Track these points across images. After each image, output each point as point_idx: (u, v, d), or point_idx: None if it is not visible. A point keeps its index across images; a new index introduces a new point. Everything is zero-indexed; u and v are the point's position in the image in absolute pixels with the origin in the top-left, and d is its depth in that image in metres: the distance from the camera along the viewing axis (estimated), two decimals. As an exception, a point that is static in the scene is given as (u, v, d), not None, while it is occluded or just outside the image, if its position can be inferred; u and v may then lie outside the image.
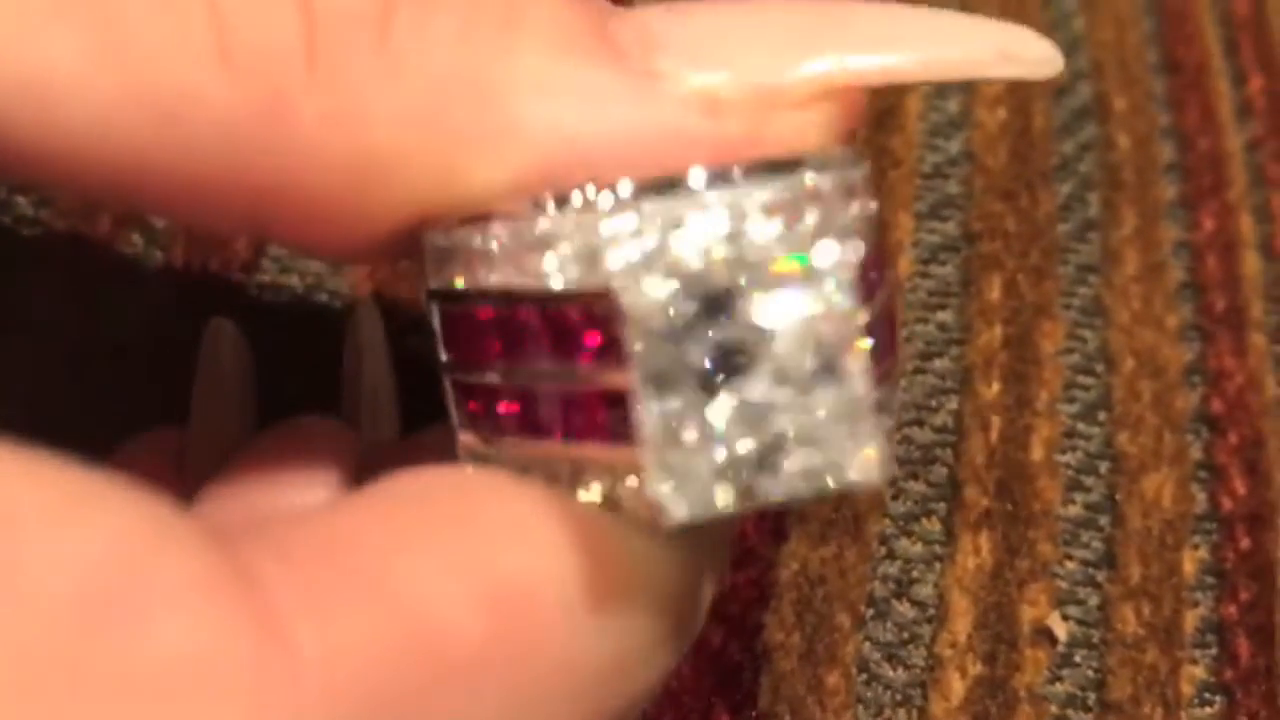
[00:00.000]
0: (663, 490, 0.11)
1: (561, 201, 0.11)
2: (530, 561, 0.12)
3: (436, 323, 0.13)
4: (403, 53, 0.12)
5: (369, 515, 0.12)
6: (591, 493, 0.12)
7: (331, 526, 0.11)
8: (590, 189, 0.11)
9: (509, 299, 0.12)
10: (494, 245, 0.12)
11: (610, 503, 0.12)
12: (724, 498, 0.11)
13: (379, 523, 0.12)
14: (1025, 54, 0.13)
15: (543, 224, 0.11)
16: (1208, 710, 0.22)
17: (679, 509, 0.11)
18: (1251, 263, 0.27)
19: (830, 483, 0.11)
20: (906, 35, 0.12)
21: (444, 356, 0.13)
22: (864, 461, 0.11)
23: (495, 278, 0.12)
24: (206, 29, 0.11)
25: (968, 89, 0.27)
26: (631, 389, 0.11)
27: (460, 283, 0.12)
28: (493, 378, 0.12)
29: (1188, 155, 0.28)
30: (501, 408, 0.12)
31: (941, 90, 0.27)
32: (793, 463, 0.11)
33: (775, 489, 0.11)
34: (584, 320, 0.11)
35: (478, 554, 0.11)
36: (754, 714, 0.20)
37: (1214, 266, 0.26)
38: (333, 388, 0.19)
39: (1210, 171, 0.28)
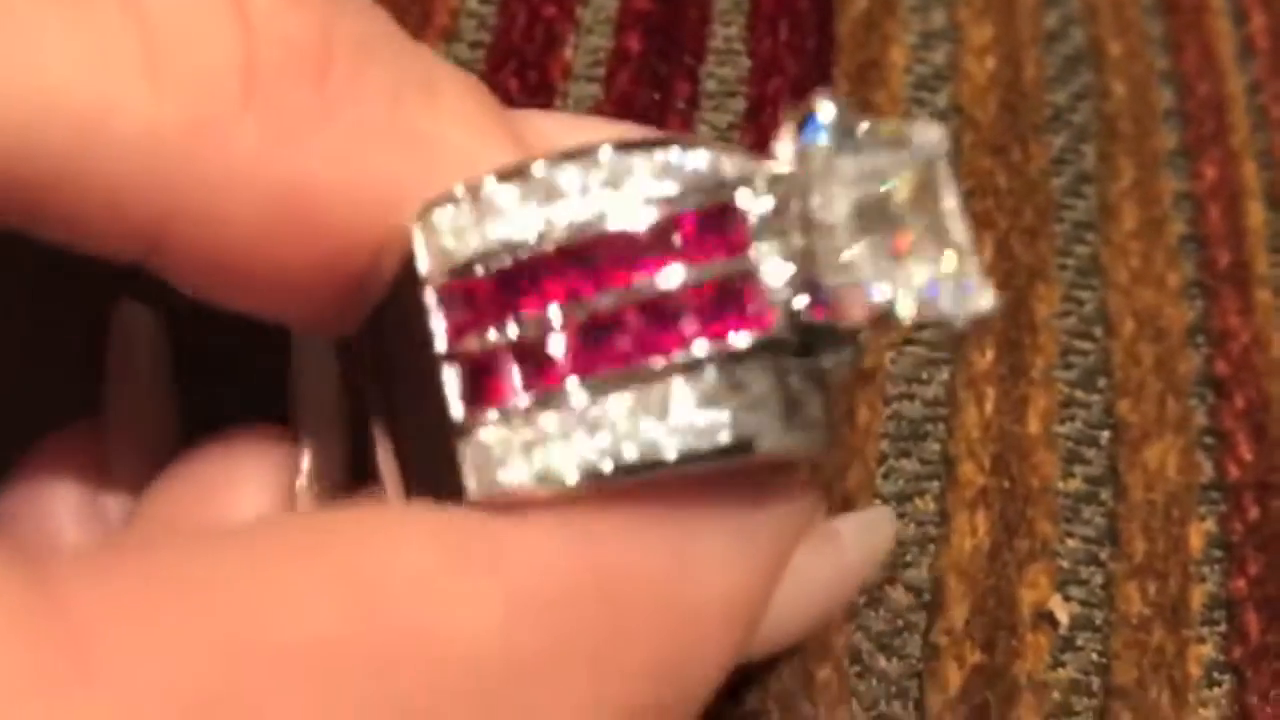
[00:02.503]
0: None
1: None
2: (399, 563, 0.11)
3: (433, 303, 0.12)
4: (340, 94, 0.12)
5: (214, 541, 0.11)
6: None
7: (165, 548, 0.11)
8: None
9: (582, 228, 0.12)
10: (565, 183, 0.12)
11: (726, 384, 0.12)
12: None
13: (223, 546, 0.11)
14: None
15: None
16: (1217, 691, 0.21)
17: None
18: (1256, 213, 0.25)
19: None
20: None
21: (442, 344, 0.12)
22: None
23: (570, 216, 0.12)
24: (133, 43, 0.11)
25: (954, 37, 0.25)
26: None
27: (504, 233, 0.12)
28: (551, 320, 0.12)
29: (1187, 101, 0.26)
30: (553, 348, 0.12)
31: (927, 40, 0.25)
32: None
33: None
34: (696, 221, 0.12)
35: (337, 561, 0.11)
36: (742, 713, 0.19)
37: (1217, 219, 0.25)
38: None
39: (1212, 117, 0.26)
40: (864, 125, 0.12)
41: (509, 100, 0.23)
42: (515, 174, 0.12)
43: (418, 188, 0.12)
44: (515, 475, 0.12)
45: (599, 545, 0.12)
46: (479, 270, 0.12)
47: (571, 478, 0.11)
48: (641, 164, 0.12)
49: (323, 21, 0.12)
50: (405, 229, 0.12)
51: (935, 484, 0.21)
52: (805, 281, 0.12)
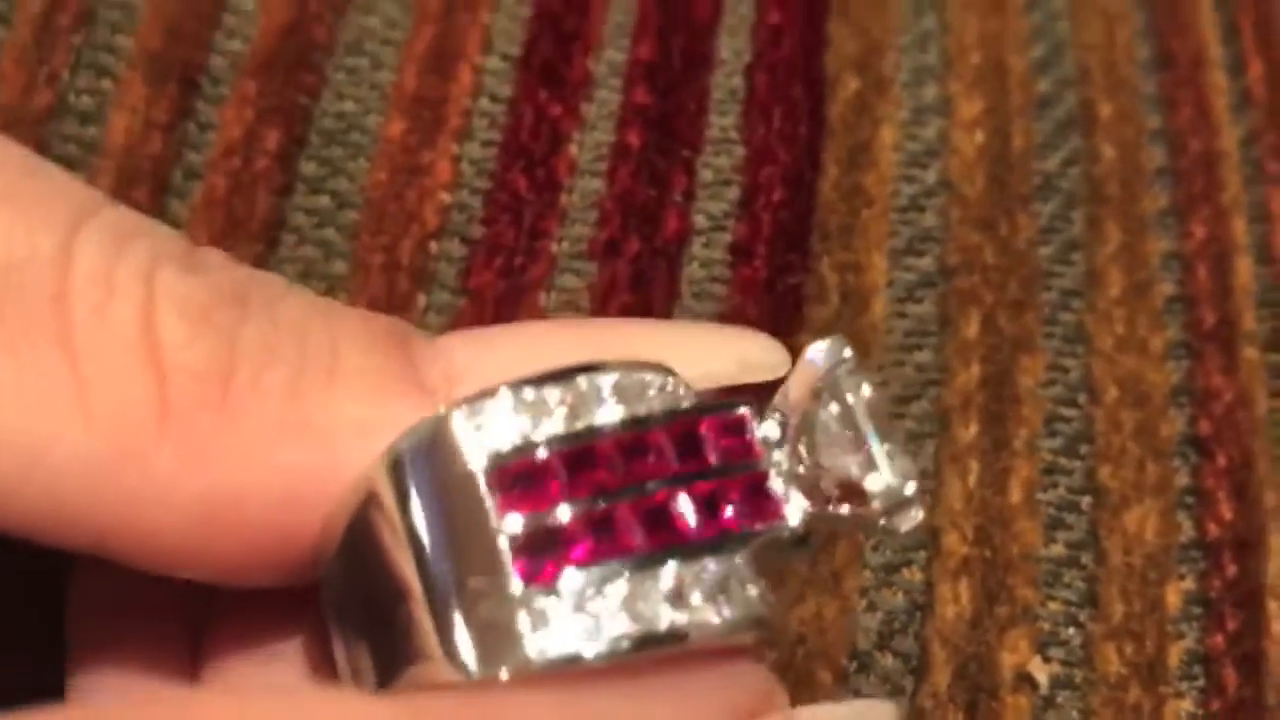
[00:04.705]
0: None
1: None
2: None
3: (487, 488, 0.14)
4: (241, 404, 0.13)
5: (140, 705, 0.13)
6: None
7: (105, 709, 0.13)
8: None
9: (637, 422, 0.14)
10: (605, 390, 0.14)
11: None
12: None
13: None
14: (762, 361, 0.16)
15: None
16: (1194, 744, 0.22)
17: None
18: (1244, 270, 0.26)
19: None
20: (659, 354, 0.15)
21: (505, 525, 0.13)
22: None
23: (607, 414, 0.14)
24: (68, 385, 0.13)
25: (945, 111, 0.27)
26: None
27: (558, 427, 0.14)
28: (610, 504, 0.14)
29: (1179, 159, 0.27)
30: (623, 516, 0.14)
31: (918, 116, 0.26)
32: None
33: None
34: (715, 426, 0.14)
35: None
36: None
37: (1204, 278, 0.26)
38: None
39: (1202, 174, 0.27)
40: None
41: (518, 198, 0.24)
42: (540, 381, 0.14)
43: (318, 474, 0.14)
44: (559, 642, 0.13)
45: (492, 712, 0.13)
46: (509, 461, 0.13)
47: (590, 651, 0.13)
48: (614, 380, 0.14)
49: (227, 337, 0.14)
50: (369, 478, 0.14)
51: (921, 554, 0.23)
52: (810, 485, 0.15)
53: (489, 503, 0.13)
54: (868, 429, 0.15)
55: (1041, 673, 0.22)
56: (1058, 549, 0.23)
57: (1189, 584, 0.23)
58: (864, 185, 0.25)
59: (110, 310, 0.13)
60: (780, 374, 0.16)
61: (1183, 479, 0.24)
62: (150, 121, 0.25)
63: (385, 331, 0.15)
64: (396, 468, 0.13)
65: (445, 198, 0.24)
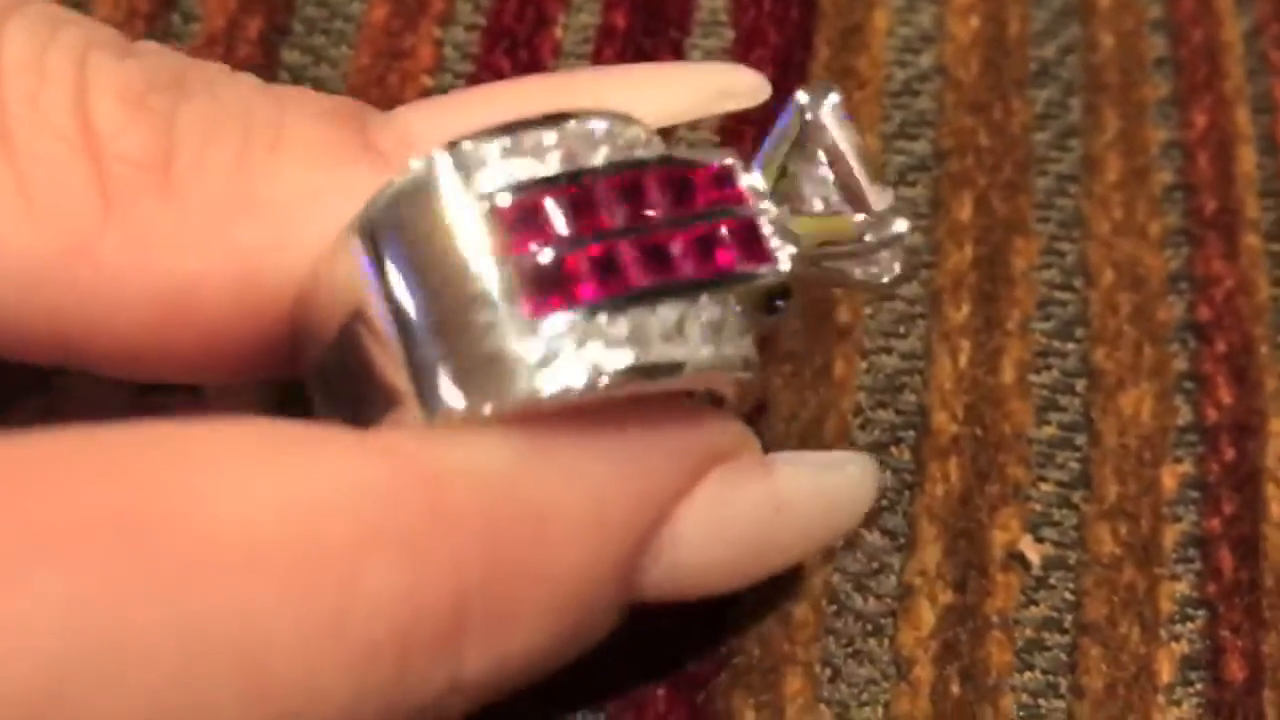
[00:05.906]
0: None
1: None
2: (190, 452, 0.12)
3: (487, 228, 0.13)
4: (184, 186, 0.13)
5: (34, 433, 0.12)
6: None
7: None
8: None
9: (632, 166, 0.14)
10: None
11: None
12: None
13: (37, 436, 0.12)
14: (741, 86, 0.16)
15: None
16: (1189, 626, 0.22)
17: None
18: (1247, 159, 0.26)
19: None
20: (633, 96, 0.14)
21: (509, 263, 0.13)
22: None
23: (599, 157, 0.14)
24: (7, 183, 0.13)
25: (939, 1, 0.26)
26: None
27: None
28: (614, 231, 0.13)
29: (1180, 49, 0.27)
30: (625, 255, 0.13)
31: (912, 3, 0.26)
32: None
33: None
34: (704, 176, 0.14)
35: (129, 447, 0.12)
36: (723, 650, 0.21)
37: (1205, 166, 0.26)
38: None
39: (1205, 64, 0.27)
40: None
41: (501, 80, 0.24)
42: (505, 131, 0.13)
43: (272, 249, 0.13)
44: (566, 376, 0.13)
45: (422, 442, 0.13)
46: (507, 198, 0.13)
47: (589, 383, 0.13)
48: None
49: (165, 119, 0.13)
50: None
51: (911, 433, 0.22)
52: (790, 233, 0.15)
53: (490, 242, 0.13)
54: (857, 169, 0.15)
55: (1034, 552, 0.22)
56: (1050, 430, 0.23)
57: (1186, 467, 0.23)
58: (856, 68, 0.25)
59: (43, 97, 0.13)
60: (761, 98, 0.16)
61: (1181, 364, 0.24)
62: (133, 11, 0.25)
63: (334, 106, 0.14)
64: (378, 223, 0.13)
65: (427, 81, 0.24)
